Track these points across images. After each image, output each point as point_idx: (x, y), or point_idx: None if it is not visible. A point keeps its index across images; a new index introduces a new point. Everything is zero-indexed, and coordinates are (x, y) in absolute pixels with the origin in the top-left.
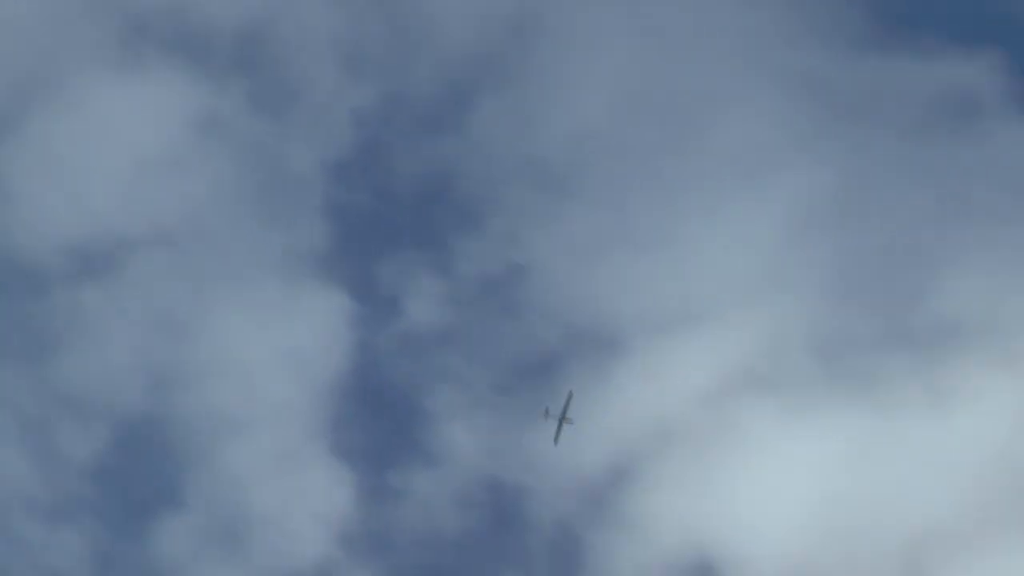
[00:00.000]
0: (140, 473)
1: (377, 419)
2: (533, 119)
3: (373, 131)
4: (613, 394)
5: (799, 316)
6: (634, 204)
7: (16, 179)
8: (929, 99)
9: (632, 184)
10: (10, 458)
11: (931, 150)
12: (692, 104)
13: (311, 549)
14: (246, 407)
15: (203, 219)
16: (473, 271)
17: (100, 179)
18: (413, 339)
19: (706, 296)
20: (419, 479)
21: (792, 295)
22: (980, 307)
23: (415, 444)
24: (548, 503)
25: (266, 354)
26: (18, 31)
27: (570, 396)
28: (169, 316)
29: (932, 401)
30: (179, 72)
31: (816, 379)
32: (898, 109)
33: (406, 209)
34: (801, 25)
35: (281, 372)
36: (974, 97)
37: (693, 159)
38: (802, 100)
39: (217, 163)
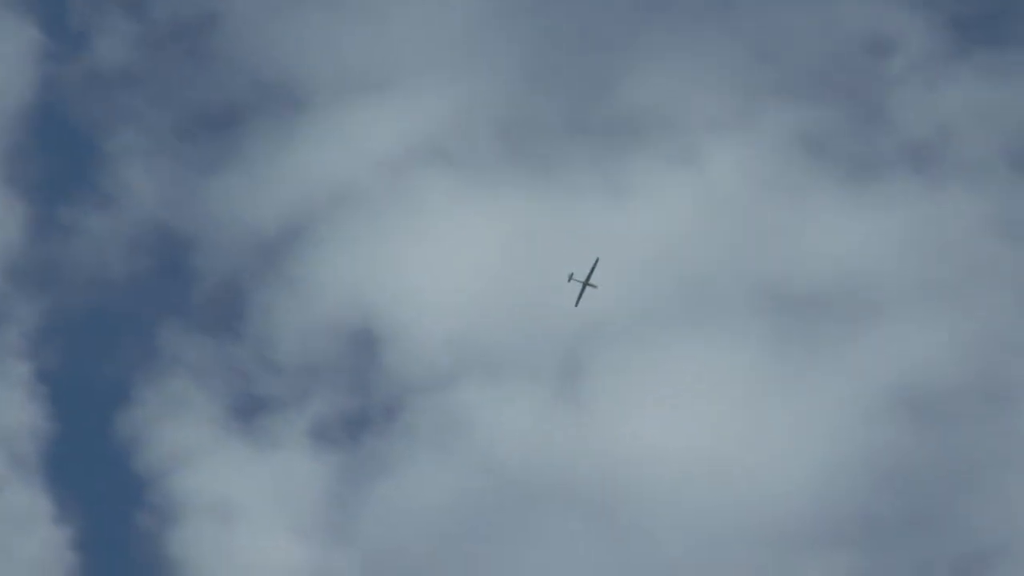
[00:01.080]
0: None
1: (55, 154)
2: None
3: None
4: (294, 152)
5: (487, 95)
6: None
7: None
8: None
9: None
10: None
11: None
12: None
13: None
14: None
15: None
16: (166, 15)
17: None
18: (99, 78)
19: (397, 65)
20: (91, 218)
21: (483, 74)
22: (665, 103)
23: (91, 183)
24: (218, 255)
25: None
26: None
27: (596, 262)
28: None
29: (610, 192)
30: None
31: (497, 159)
32: None
33: None
34: None
35: None
36: None
37: None
38: None
39: None
